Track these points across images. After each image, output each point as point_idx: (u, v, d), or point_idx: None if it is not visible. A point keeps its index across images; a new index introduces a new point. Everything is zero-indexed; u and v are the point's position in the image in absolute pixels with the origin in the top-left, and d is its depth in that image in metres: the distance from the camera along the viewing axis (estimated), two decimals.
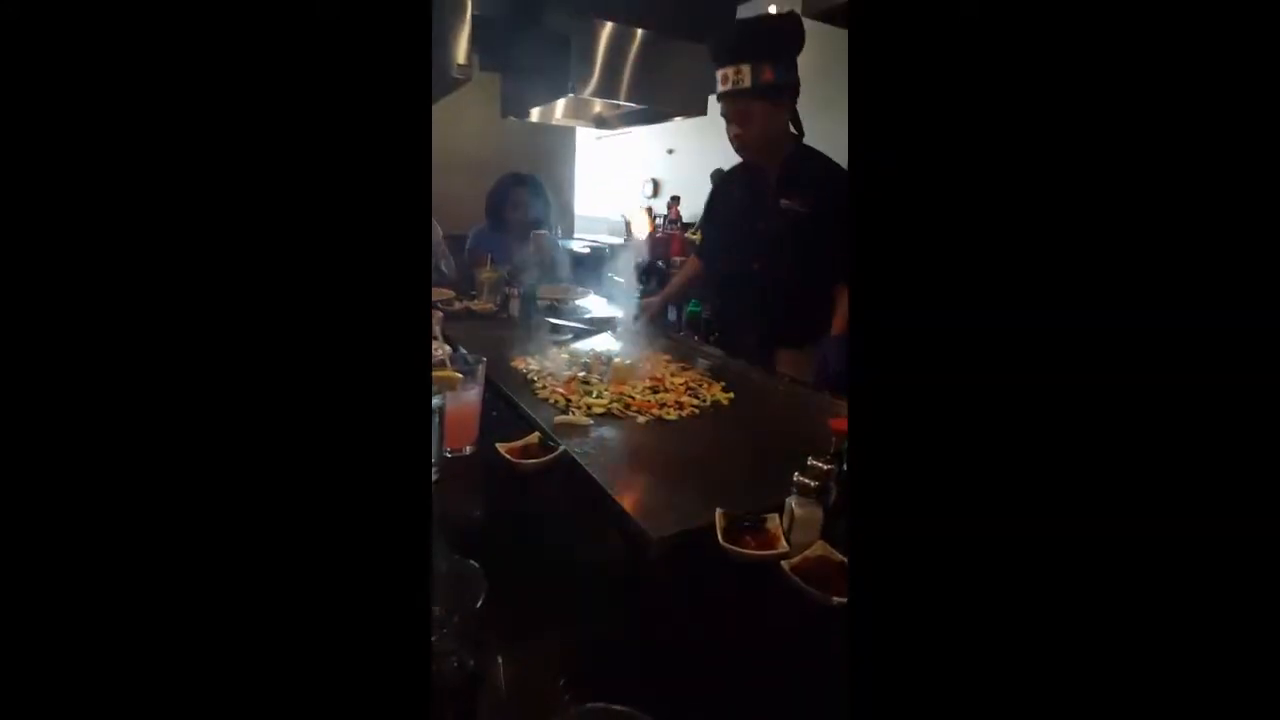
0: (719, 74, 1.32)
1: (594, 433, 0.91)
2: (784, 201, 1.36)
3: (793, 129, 1.39)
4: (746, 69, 1.27)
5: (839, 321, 1.32)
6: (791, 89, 1.34)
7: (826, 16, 2.02)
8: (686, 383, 1.15)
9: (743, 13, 2.90)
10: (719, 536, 0.62)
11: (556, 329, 1.56)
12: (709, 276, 1.61)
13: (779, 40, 1.29)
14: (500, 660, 0.47)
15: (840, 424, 0.71)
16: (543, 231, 2.17)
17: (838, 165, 1.38)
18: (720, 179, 1.62)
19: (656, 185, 4.12)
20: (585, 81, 2.67)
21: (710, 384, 1.16)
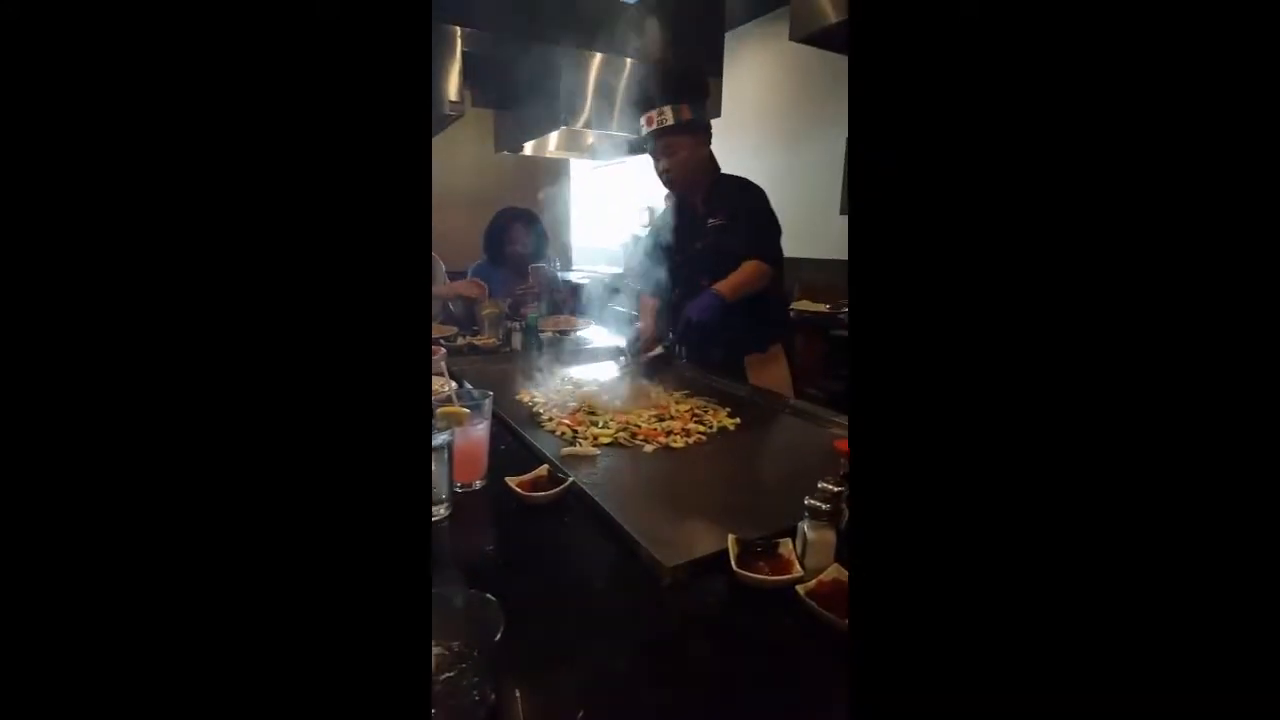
0: (644, 119, 1.52)
1: (601, 463, 0.92)
2: (711, 220, 1.55)
3: (713, 161, 1.59)
4: (669, 109, 1.48)
5: (728, 283, 1.42)
6: (706, 127, 1.56)
7: (811, 40, 2.06)
8: (692, 409, 1.15)
9: (730, 39, 2.98)
10: (732, 563, 0.61)
11: (558, 360, 1.57)
12: (664, 306, 1.70)
13: (689, 84, 1.54)
14: (518, 693, 0.47)
15: (846, 445, 0.72)
16: (541, 264, 2.19)
17: (749, 181, 1.59)
18: (653, 223, 1.83)
19: (652, 213, 4.18)
20: (577, 114, 2.73)
21: (716, 410, 1.16)
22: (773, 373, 1.55)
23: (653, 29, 1.95)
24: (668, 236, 1.67)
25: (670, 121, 1.48)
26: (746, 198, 1.54)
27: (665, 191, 1.75)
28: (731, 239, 1.50)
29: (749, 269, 1.45)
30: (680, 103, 1.49)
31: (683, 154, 1.52)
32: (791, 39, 1.93)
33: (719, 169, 1.61)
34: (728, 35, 2.95)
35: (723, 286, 1.40)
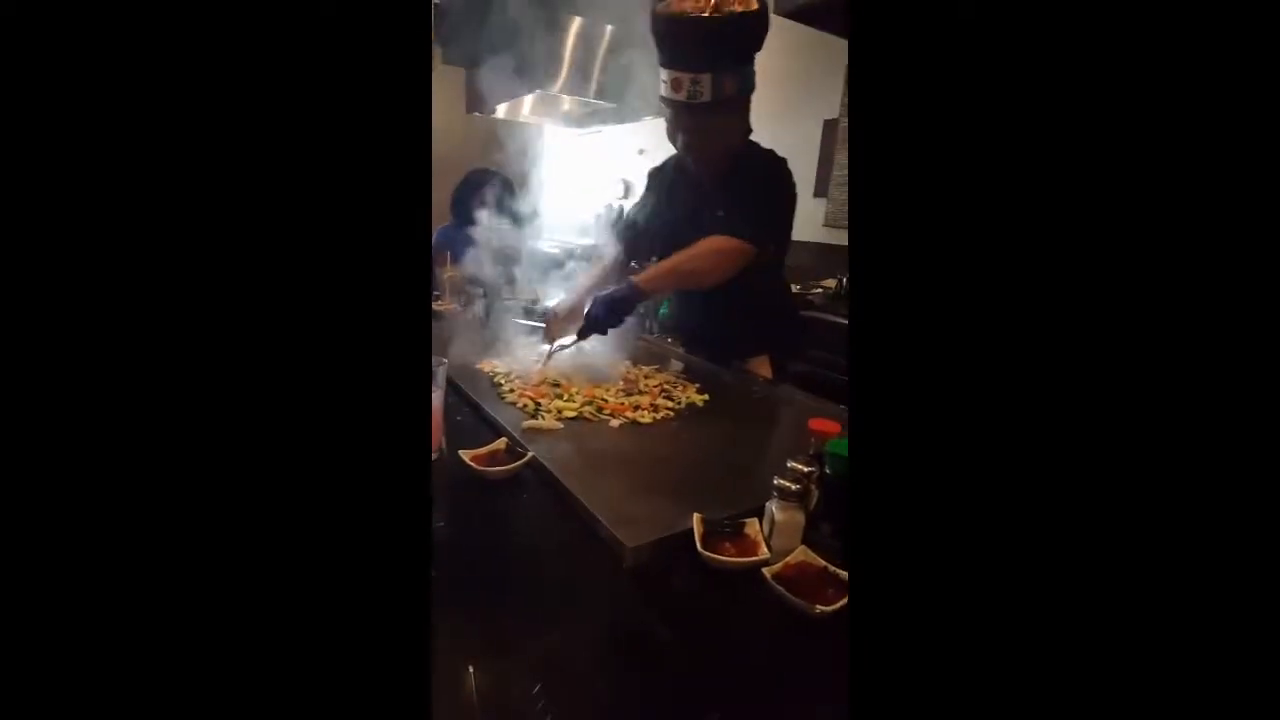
0: (669, 78, 1.10)
1: (564, 437, 0.88)
2: (720, 212, 1.19)
3: (742, 136, 1.23)
4: (706, 79, 1.06)
5: (652, 273, 1.15)
6: (749, 93, 1.16)
7: (797, 15, 2.00)
8: (661, 385, 1.12)
9: None
10: (697, 543, 0.59)
11: (522, 329, 1.52)
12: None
13: (746, 43, 1.09)
14: (471, 672, 0.44)
15: (819, 424, 0.70)
16: (509, 229, 2.11)
17: (775, 160, 1.24)
18: (655, 180, 1.41)
19: (628, 186, 4.09)
20: (554, 78, 2.64)
21: (685, 386, 1.13)
22: (765, 368, 1.36)
23: None
24: (671, 210, 1.34)
25: (707, 98, 1.07)
26: (752, 173, 1.20)
27: (644, 166, 1.46)
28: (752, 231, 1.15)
29: (703, 246, 1.12)
30: (725, 71, 1.06)
31: (714, 135, 1.16)
32: (776, 13, 1.87)
33: (746, 139, 1.23)
34: None
35: (647, 275, 1.12)
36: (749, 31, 1.08)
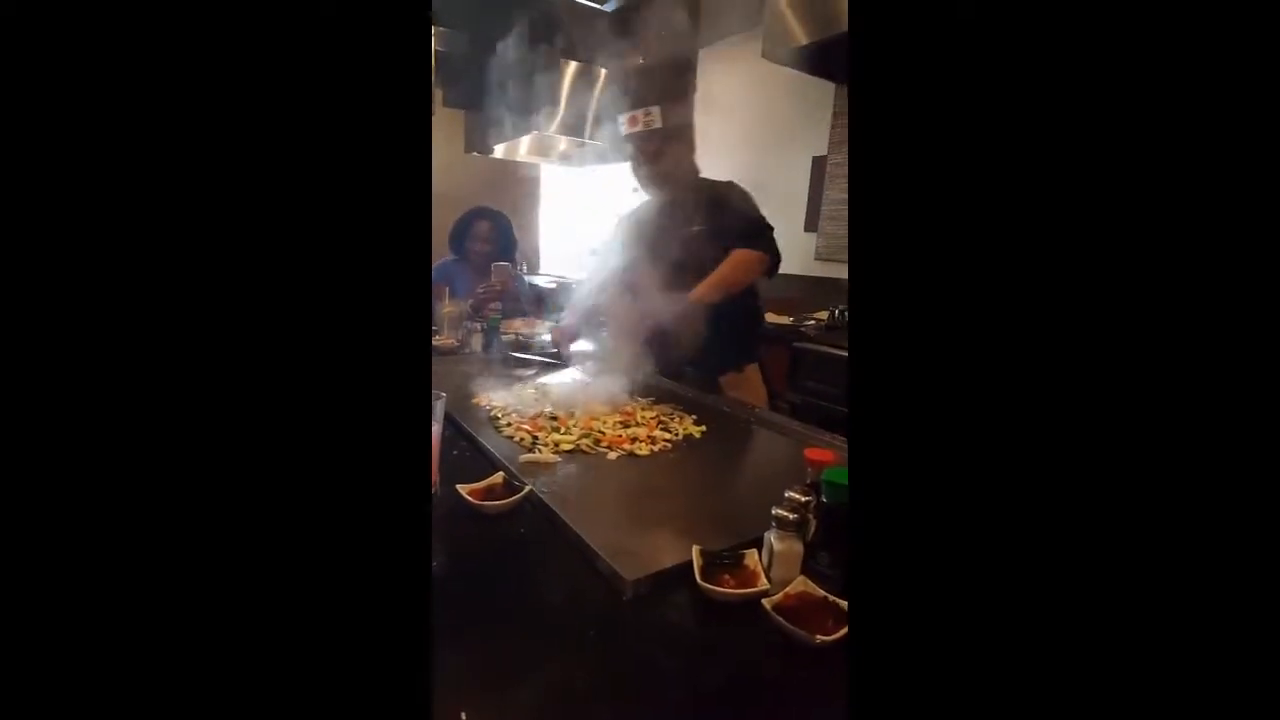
0: (627, 117, 1.41)
1: (562, 470, 0.88)
2: (696, 228, 1.44)
3: (694, 165, 1.52)
4: (656, 110, 1.38)
5: (705, 286, 1.34)
6: (690, 126, 1.47)
7: (784, 60, 2.08)
8: (658, 416, 1.13)
9: (703, 58, 3.01)
10: (697, 576, 0.59)
11: (520, 363, 1.53)
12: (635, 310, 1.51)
13: (677, 85, 1.43)
14: (463, 716, 0.43)
15: (815, 454, 0.70)
16: (505, 263, 2.14)
17: (732, 183, 1.51)
18: (629, 220, 1.66)
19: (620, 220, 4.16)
20: (550, 119, 2.71)
21: (682, 417, 1.14)
22: (748, 391, 1.49)
23: (628, 38, 1.94)
24: (646, 241, 1.51)
25: (657, 124, 1.40)
26: (731, 198, 1.46)
27: (637, 202, 1.67)
28: (715, 241, 1.40)
29: (736, 259, 1.35)
30: (667, 103, 1.39)
31: (670, 160, 1.45)
32: (763, 56, 1.95)
33: (699, 172, 1.54)
34: (701, 52, 2.98)
35: (700, 291, 1.31)
36: (682, 72, 1.46)
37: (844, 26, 1.50)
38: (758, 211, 1.46)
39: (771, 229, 1.45)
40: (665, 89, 1.41)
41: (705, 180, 1.53)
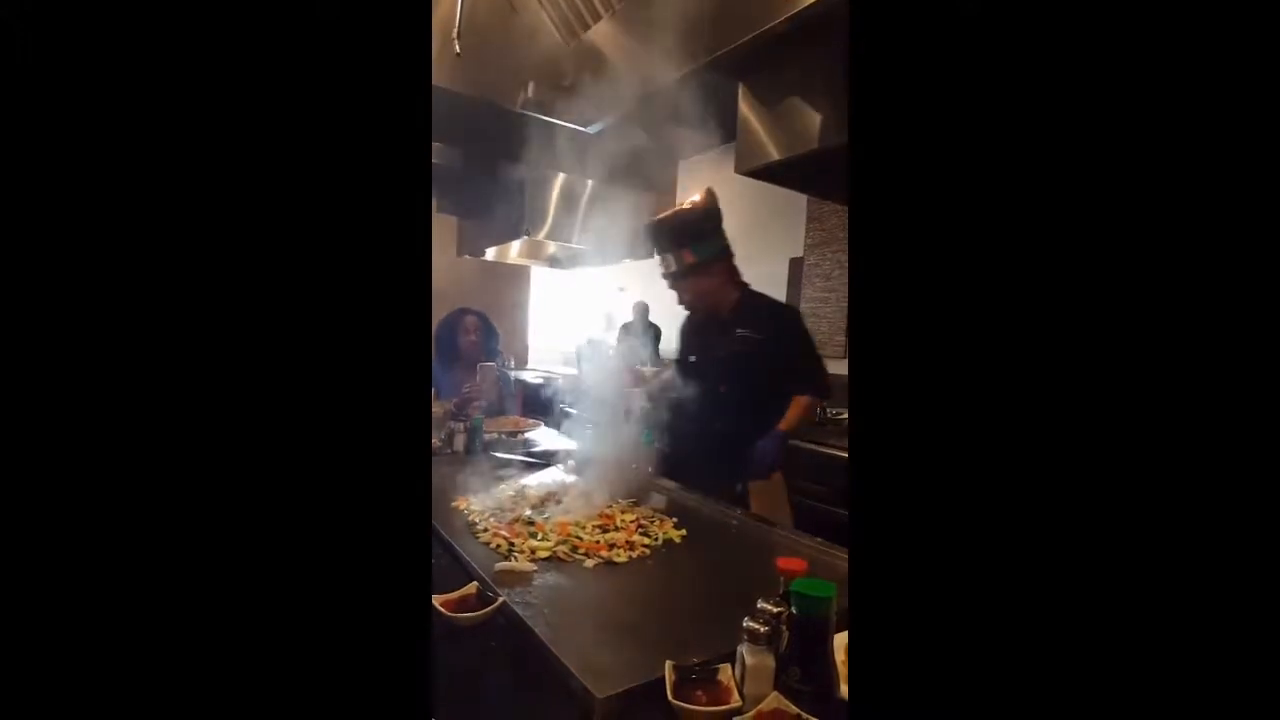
0: (659, 259, 1.59)
1: (538, 579, 0.87)
2: (739, 331, 1.56)
3: (734, 281, 1.62)
4: (670, 257, 1.56)
5: (788, 421, 1.50)
6: (719, 257, 1.57)
7: (756, 174, 2.24)
8: (637, 520, 1.12)
9: (683, 168, 3.23)
10: (668, 692, 0.57)
11: (502, 463, 1.53)
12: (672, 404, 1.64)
13: (688, 230, 1.55)
14: None
15: (787, 563, 0.70)
16: (490, 363, 2.18)
17: (781, 303, 1.65)
18: (683, 326, 1.82)
19: (609, 319, 4.29)
20: (539, 225, 2.86)
21: (662, 520, 1.13)
22: (773, 498, 1.51)
23: (611, 154, 2.11)
24: (691, 340, 1.70)
25: (674, 269, 1.56)
26: (781, 321, 1.58)
27: (629, 300, 1.81)
28: (765, 364, 1.52)
29: (803, 404, 1.52)
30: (684, 248, 1.54)
31: (696, 290, 1.59)
32: (736, 171, 2.10)
33: (745, 285, 1.65)
34: (680, 164, 3.21)
35: (786, 424, 1.48)
36: (687, 223, 1.57)
37: (815, 144, 1.63)
38: (809, 346, 1.59)
39: (822, 365, 1.59)
40: (678, 238, 1.54)
41: (754, 295, 1.64)
